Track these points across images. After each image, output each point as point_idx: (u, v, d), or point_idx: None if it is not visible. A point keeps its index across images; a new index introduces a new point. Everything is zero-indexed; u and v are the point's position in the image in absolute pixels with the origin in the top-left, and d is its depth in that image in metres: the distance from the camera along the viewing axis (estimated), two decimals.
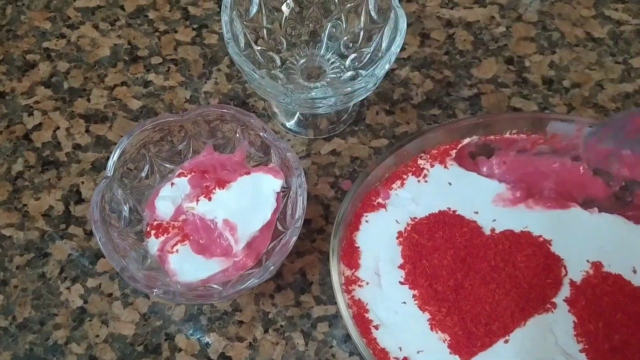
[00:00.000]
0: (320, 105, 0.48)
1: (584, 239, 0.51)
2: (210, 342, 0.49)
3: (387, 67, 0.48)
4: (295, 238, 0.43)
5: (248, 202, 0.46)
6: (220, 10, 0.64)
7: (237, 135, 0.49)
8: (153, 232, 0.46)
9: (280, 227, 0.47)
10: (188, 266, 0.45)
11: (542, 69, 0.62)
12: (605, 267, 0.49)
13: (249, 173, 0.47)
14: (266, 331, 0.50)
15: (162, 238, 0.46)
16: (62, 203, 0.55)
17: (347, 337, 0.50)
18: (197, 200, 0.46)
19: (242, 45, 0.52)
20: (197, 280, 0.45)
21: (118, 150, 0.45)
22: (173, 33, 0.63)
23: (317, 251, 0.53)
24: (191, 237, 0.46)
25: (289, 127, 0.58)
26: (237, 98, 0.60)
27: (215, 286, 0.44)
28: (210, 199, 0.46)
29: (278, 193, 0.47)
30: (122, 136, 0.57)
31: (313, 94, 0.46)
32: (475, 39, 0.64)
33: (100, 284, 0.52)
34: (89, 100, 0.59)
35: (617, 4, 0.66)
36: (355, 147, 0.58)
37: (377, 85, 0.49)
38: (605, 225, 0.51)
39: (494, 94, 0.61)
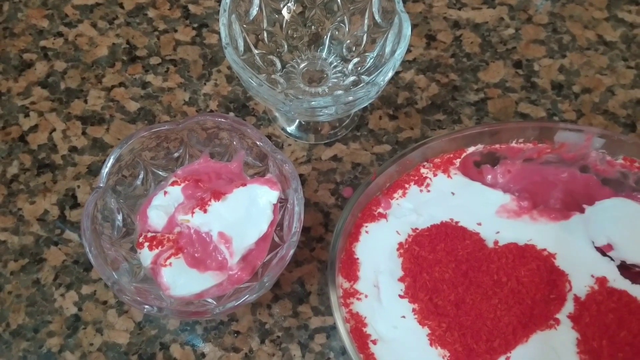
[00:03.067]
0: (321, 114, 0.47)
1: (589, 252, 0.49)
2: (205, 352, 0.49)
3: (389, 74, 0.46)
4: (292, 253, 0.42)
5: (244, 215, 0.45)
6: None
7: (235, 143, 0.48)
8: (147, 244, 0.45)
9: (277, 239, 0.46)
10: (182, 280, 0.44)
11: (551, 74, 0.60)
12: (610, 282, 0.48)
13: (244, 184, 0.46)
14: (263, 342, 0.49)
15: (156, 251, 0.45)
16: (58, 207, 0.54)
17: (345, 350, 0.49)
18: (192, 213, 0.45)
19: (242, 49, 0.50)
20: (190, 294, 0.44)
21: (111, 160, 0.44)
22: (172, 32, 0.62)
23: (316, 260, 0.52)
24: (185, 250, 0.45)
25: (289, 131, 0.57)
26: (237, 101, 0.58)
27: (210, 300, 0.43)
28: (205, 211, 0.44)
29: (275, 204, 0.46)
30: (119, 139, 0.57)
31: (313, 103, 0.45)
32: (483, 41, 0.62)
33: (95, 291, 0.51)
34: (86, 101, 0.58)
35: (631, 5, 0.64)
36: (357, 153, 0.56)
37: (379, 93, 0.48)
38: None
39: (500, 99, 0.59)
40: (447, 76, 0.60)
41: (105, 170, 0.44)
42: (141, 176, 0.47)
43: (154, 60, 0.60)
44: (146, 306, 0.39)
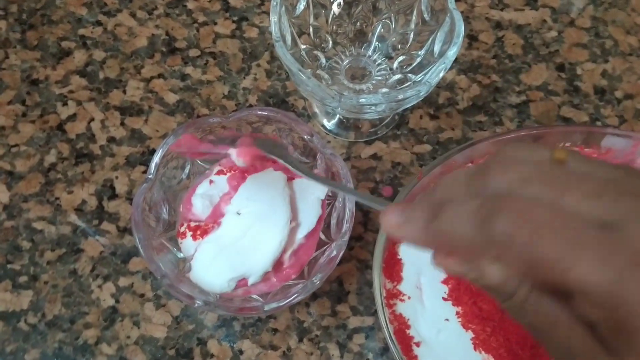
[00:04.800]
0: (369, 111, 0.46)
1: None
2: (243, 349, 0.48)
3: (442, 74, 0.46)
4: (342, 252, 0.41)
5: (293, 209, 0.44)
6: (261, 3, 0.62)
7: (282, 138, 0.47)
8: (190, 233, 0.44)
9: (323, 237, 0.46)
10: None
11: (594, 78, 0.59)
12: None
13: (293, 178, 0.45)
14: (301, 340, 0.49)
15: (200, 240, 0.44)
16: (96, 198, 0.53)
17: (384, 350, 0.49)
18: None
19: (289, 43, 0.50)
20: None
21: (161, 151, 0.43)
22: (212, 25, 0.61)
23: (355, 259, 0.52)
24: None
25: (328, 128, 0.56)
26: (277, 96, 0.58)
27: (255, 297, 0.43)
28: None
29: (323, 200, 0.45)
30: (157, 131, 0.56)
31: (362, 100, 0.44)
32: (526, 43, 0.61)
33: (133, 283, 0.50)
34: (124, 92, 0.58)
35: None
36: (397, 152, 0.56)
37: (428, 92, 0.47)
38: None
39: (543, 102, 0.58)
40: (489, 77, 0.59)
41: (154, 161, 0.43)
42: (187, 169, 0.47)
43: (193, 53, 0.60)
44: (197, 301, 0.38)
